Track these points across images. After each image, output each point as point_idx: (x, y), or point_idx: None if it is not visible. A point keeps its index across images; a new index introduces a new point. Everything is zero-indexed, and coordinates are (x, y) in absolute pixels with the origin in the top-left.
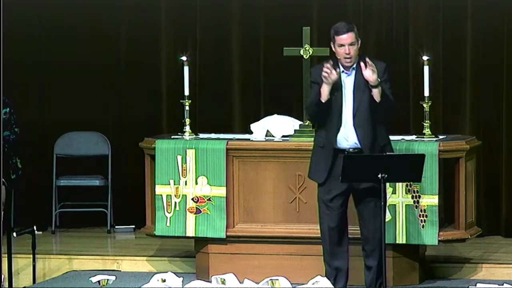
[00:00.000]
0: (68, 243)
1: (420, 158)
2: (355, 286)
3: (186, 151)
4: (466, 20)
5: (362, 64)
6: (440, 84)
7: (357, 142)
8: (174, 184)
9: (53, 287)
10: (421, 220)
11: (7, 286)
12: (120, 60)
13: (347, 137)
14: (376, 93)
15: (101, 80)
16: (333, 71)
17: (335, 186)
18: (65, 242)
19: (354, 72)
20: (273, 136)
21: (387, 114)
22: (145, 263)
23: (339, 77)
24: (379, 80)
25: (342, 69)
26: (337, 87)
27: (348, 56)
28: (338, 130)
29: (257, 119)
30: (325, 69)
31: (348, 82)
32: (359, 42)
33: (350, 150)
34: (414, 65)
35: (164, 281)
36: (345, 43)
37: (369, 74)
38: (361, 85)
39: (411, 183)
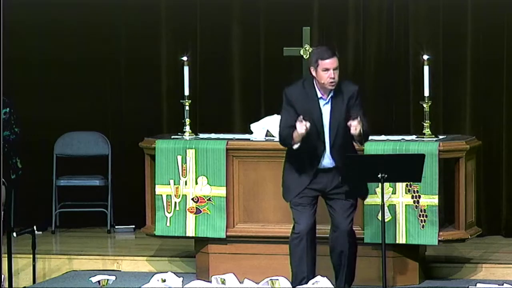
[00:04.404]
0: (68, 243)
1: (420, 158)
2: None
3: (186, 151)
4: (466, 20)
5: (351, 122)
6: (440, 84)
7: (333, 163)
8: (174, 184)
9: (53, 287)
10: (421, 220)
11: (7, 286)
12: (120, 60)
13: (324, 161)
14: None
15: (101, 80)
16: (306, 124)
17: (307, 192)
18: (65, 242)
19: (330, 100)
20: (273, 136)
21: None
22: (145, 263)
23: (318, 105)
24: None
25: (319, 95)
26: (316, 116)
27: (333, 80)
28: (322, 155)
29: (257, 119)
30: (304, 126)
31: (325, 110)
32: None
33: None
34: (414, 65)
35: (164, 281)
36: (331, 67)
37: (356, 131)
38: (337, 113)
39: (411, 183)
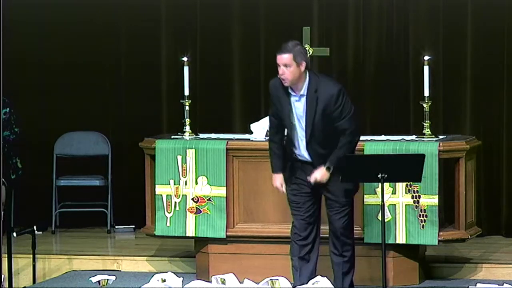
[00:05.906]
0: (68, 243)
1: (420, 158)
2: None
3: (186, 151)
4: (466, 20)
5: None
6: (440, 84)
7: (309, 159)
8: (174, 184)
9: (53, 287)
10: (421, 220)
11: (7, 286)
12: (120, 60)
13: (301, 155)
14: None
15: (101, 80)
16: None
17: (300, 188)
18: (65, 242)
19: (304, 98)
20: None
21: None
22: (145, 263)
23: (289, 100)
24: (329, 168)
25: (290, 91)
26: (286, 110)
27: (282, 77)
28: (295, 149)
29: (257, 119)
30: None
31: (298, 106)
32: (303, 64)
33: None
34: (414, 65)
35: (164, 281)
36: (280, 63)
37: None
38: (311, 112)
39: (411, 183)
